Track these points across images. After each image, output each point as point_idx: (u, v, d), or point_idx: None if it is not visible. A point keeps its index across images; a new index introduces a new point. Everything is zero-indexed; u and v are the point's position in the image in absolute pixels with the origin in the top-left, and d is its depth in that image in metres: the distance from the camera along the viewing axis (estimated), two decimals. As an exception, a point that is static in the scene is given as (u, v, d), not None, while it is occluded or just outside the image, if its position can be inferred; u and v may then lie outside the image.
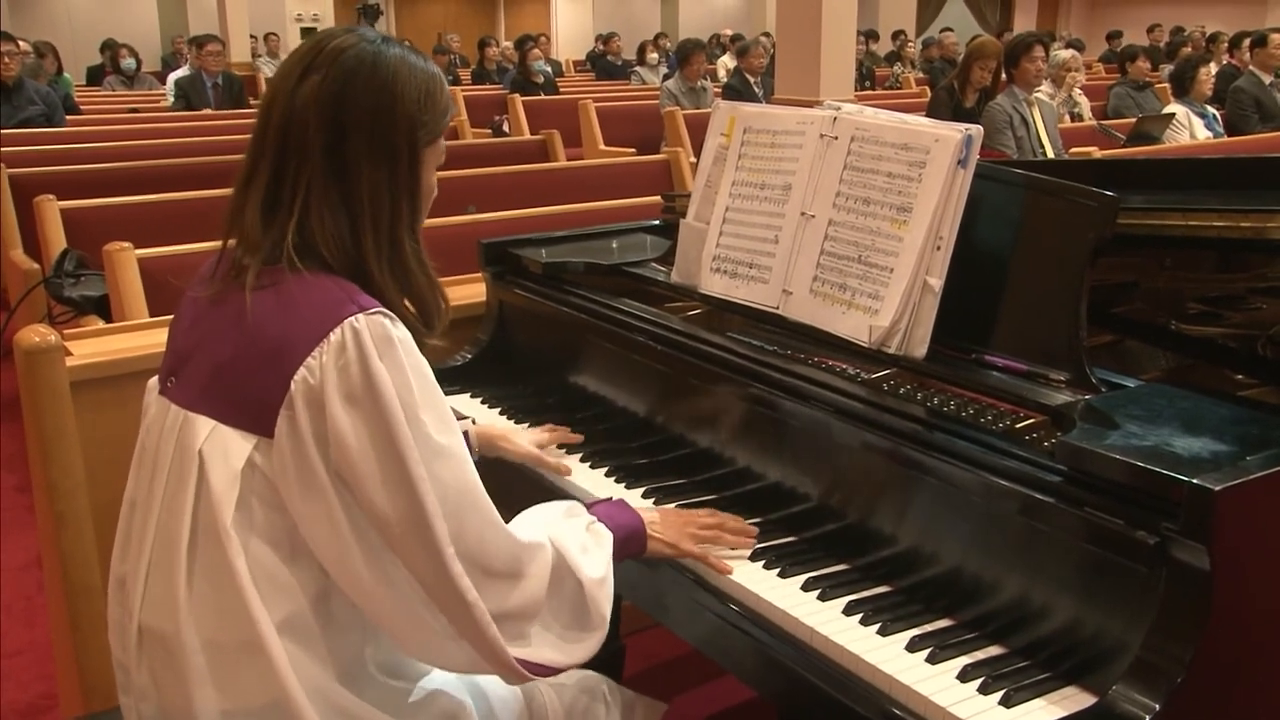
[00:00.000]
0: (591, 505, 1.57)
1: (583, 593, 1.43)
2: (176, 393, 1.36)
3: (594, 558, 1.46)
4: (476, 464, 1.59)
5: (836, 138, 1.82)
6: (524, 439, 1.96)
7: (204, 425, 1.31)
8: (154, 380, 1.43)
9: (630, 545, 1.56)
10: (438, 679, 1.51)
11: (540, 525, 1.46)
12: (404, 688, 1.45)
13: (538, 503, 1.56)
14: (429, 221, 3.41)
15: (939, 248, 1.64)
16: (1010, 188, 1.65)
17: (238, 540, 1.28)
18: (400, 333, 1.30)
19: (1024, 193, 1.64)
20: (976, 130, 1.64)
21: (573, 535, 1.47)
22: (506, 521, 1.39)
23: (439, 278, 1.44)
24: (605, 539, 1.51)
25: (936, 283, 1.63)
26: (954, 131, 1.65)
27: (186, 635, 1.30)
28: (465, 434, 1.84)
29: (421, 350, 1.34)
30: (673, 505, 1.75)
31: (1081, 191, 1.55)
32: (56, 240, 3.83)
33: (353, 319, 1.27)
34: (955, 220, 1.63)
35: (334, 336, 1.26)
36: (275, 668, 1.29)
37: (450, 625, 1.32)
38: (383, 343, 1.27)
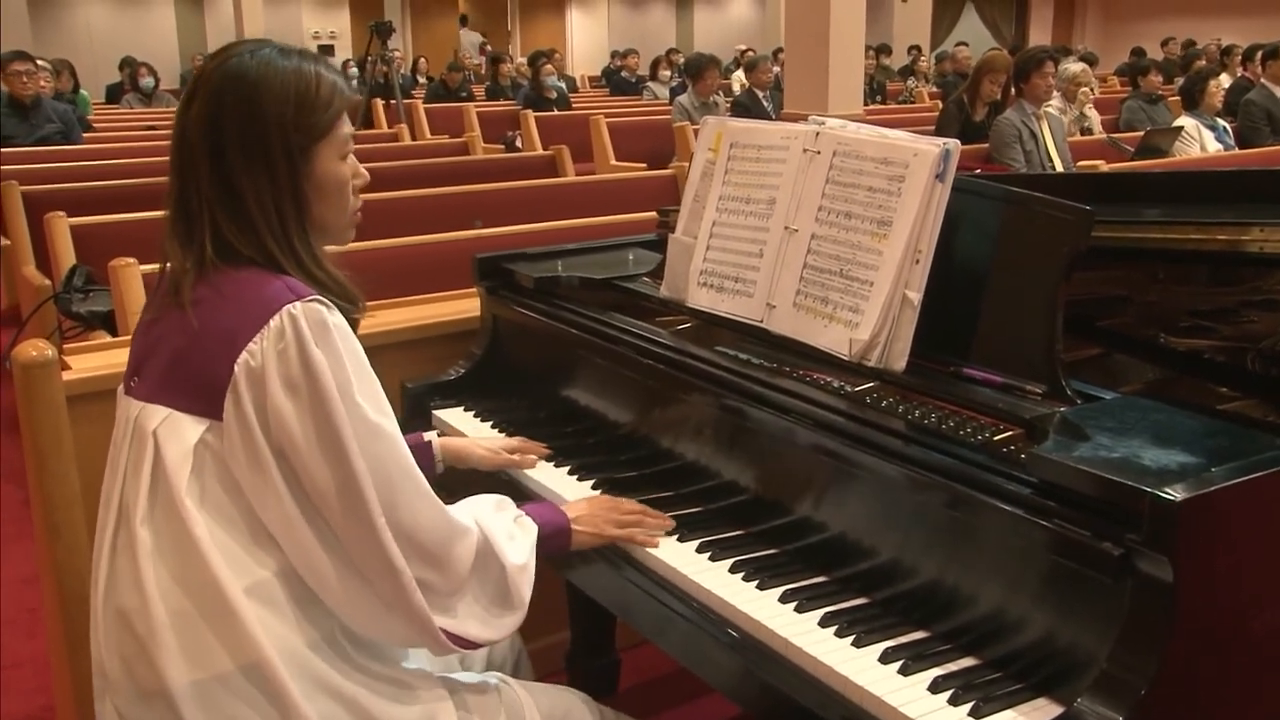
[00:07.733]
0: (521, 504, 1.66)
1: (506, 576, 1.51)
2: (138, 390, 1.44)
3: (518, 545, 1.56)
4: (442, 476, 1.72)
5: (819, 152, 1.83)
6: (483, 449, 1.97)
7: (159, 412, 1.39)
8: (121, 386, 1.49)
9: (555, 540, 1.65)
10: (416, 674, 1.54)
11: (470, 513, 1.54)
12: (382, 673, 1.48)
13: None
14: (433, 236, 3.45)
15: (918, 261, 1.65)
16: (988, 201, 1.66)
17: (193, 510, 1.35)
18: (336, 319, 1.38)
19: (1001, 206, 1.64)
20: (954, 144, 1.64)
21: (500, 524, 1.56)
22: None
23: (341, 274, 1.49)
24: (530, 530, 1.60)
25: (915, 296, 1.64)
26: (932, 146, 1.65)
27: (153, 607, 1.35)
28: (429, 443, 1.92)
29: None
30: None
31: (1056, 205, 1.56)
32: (66, 256, 3.88)
33: (290, 306, 1.36)
34: (933, 234, 1.64)
35: (274, 323, 1.35)
36: (246, 630, 1.34)
37: (381, 594, 1.38)
38: (318, 328, 1.36)
